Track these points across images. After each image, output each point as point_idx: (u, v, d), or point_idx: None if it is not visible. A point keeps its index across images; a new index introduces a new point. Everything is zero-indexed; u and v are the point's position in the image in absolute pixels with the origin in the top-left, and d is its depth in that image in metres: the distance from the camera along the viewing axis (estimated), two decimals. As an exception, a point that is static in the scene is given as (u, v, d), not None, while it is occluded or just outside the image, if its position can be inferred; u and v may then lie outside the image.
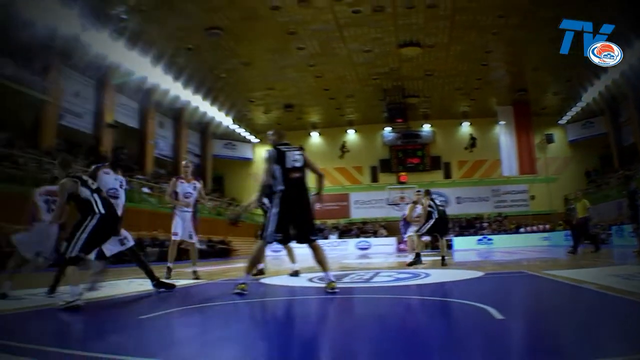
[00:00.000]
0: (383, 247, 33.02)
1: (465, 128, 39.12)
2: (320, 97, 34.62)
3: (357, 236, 36.43)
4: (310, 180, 6.80)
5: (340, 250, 32.14)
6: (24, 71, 21.96)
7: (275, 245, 7.09)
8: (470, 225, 36.33)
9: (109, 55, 23.68)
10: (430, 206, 12.26)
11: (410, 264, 11.59)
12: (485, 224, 36.09)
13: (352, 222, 38.84)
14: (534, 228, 34.09)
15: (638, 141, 29.05)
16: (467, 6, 22.41)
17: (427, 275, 8.87)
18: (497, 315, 4.03)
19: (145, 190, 26.07)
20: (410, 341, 3.46)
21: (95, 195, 5.86)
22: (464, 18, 23.46)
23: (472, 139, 38.73)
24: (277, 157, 6.41)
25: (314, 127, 40.33)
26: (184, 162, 10.53)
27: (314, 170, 6.74)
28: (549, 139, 37.01)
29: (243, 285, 6.26)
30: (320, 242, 24.71)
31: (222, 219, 30.65)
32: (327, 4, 22.43)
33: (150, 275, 7.10)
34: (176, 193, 9.75)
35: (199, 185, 10.12)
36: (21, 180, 18.00)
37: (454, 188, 38.41)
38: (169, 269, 9.37)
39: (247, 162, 41.27)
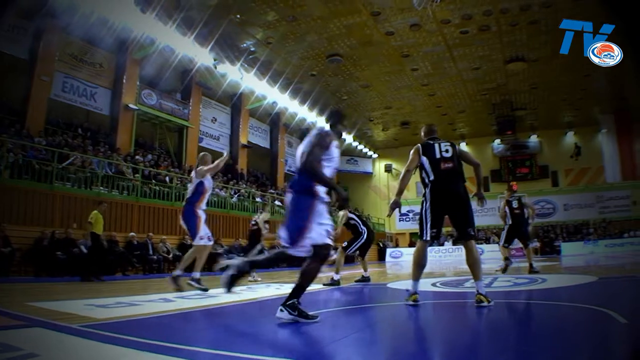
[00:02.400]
0: (495, 254, 32.75)
1: (570, 137, 38.94)
2: (434, 113, 35.34)
3: (471, 243, 36.61)
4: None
5: (455, 257, 32.27)
6: (167, 101, 24.94)
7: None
8: (577, 231, 36.07)
9: (242, 83, 26.37)
10: (506, 212, 12.07)
11: (501, 271, 11.46)
12: (591, 230, 35.55)
13: (465, 229, 38.39)
14: (637, 233, 33.09)
15: None
16: (566, 21, 22.88)
17: (544, 280, 8.91)
18: (620, 319, 4.08)
19: (278, 203, 27.79)
20: (557, 344, 3.36)
21: None
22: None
23: (577, 147, 38.47)
24: (424, 150, 6.09)
25: (429, 142, 41.23)
26: None
27: (469, 161, 6.27)
28: (649, 145, 36.27)
29: (414, 296, 5.77)
30: (438, 248, 26.71)
31: (347, 228, 33.24)
32: (437, 27, 23.41)
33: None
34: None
35: None
36: (167, 196, 20.20)
37: (562, 195, 38.32)
38: None
39: (368, 176, 43.66)
